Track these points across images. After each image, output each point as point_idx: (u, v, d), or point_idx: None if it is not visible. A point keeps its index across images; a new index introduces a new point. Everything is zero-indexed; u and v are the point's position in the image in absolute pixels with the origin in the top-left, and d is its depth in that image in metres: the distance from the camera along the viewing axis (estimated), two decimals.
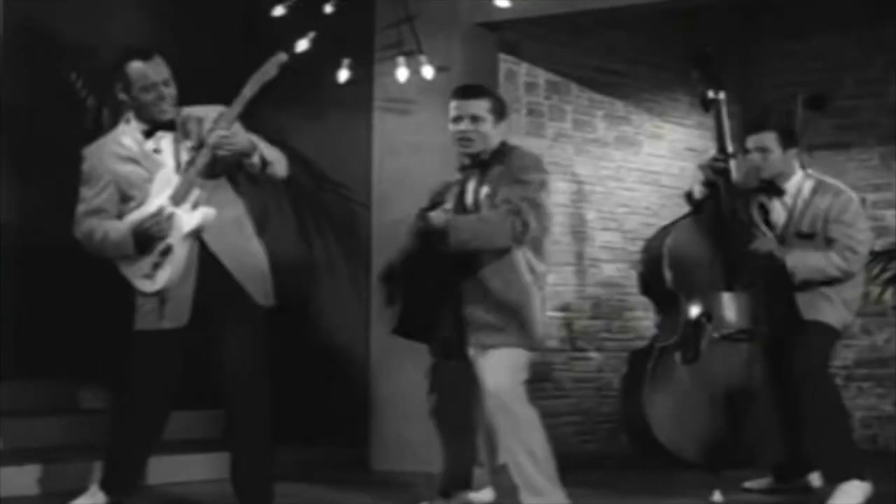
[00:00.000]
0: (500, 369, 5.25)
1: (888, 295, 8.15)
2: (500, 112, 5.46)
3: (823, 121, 8.73)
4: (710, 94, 6.19)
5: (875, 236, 8.52)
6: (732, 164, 6.15)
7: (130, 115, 5.28)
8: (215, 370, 5.26)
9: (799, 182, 6.10)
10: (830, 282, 5.99)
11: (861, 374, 8.81)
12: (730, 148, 6.15)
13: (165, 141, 5.25)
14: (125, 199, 5.25)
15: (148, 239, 5.15)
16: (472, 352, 5.31)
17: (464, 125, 5.38)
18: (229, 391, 5.29)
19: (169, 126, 5.25)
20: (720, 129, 6.19)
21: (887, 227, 8.72)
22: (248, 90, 5.18)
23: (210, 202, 5.18)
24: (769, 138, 6.06)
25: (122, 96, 5.25)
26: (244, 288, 5.22)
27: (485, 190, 5.34)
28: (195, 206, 5.15)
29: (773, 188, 6.11)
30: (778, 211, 6.13)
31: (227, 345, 5.22)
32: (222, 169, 5.22)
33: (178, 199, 5.14)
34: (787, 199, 6.09)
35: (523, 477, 5.26)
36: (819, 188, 6.07)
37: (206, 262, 5.20)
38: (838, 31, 8.96)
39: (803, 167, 6.16)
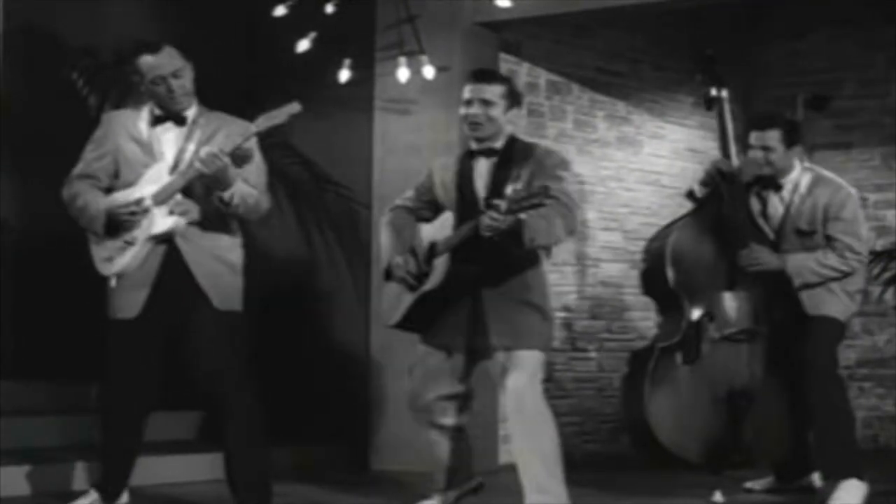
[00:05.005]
0: (521, 368, 5.22)
1: (888, 295, 8.15)
2: (512, 99, 5.38)
3: (824, 121, 8.73)
4: (713, 91, 6.22)
5: (875, 236, 8.58)
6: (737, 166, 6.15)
7: (152, 102, 5.29)
8: (189, 370, 5.28)
9: (797, 177, 6.06)
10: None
11: (862, 375, 8.81)
12: (733, 149, 6.16)
13: (172, 134, 5.27)
14: (117, 176, 5.28)
15: (118, 225, 5.18)
16: (493, 351, 5.26)
17: (474, 108, 5.32)
18: (205, 391, 5.33)
19: (180, 120, 5.26)
20: (723, 126, 6.21)
21: (888, 226, 8.73)
22: (255, 127, 5.15)
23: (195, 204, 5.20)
24: (773, 137, 5.99)
25: (141, 87, 5.27)
26: (204, 291, 5.21)
27: (512, 188, 5.12)
28: (172, 212, 5.17)
29: (772, 183, 6.08)
30: (775, 205, 6.09)
31: (195, 345, 5.23)
32: (197, 192, 5.19)
33: (159, 198, 5.16)
34: (785, 193, 6.05)
35: (532, 476, 5.22)
36: (817, 182, 6.03)
37: (173, 261, 5.20)
38: (839, 30, 8.96)
39: (801, 161, 6.13)
